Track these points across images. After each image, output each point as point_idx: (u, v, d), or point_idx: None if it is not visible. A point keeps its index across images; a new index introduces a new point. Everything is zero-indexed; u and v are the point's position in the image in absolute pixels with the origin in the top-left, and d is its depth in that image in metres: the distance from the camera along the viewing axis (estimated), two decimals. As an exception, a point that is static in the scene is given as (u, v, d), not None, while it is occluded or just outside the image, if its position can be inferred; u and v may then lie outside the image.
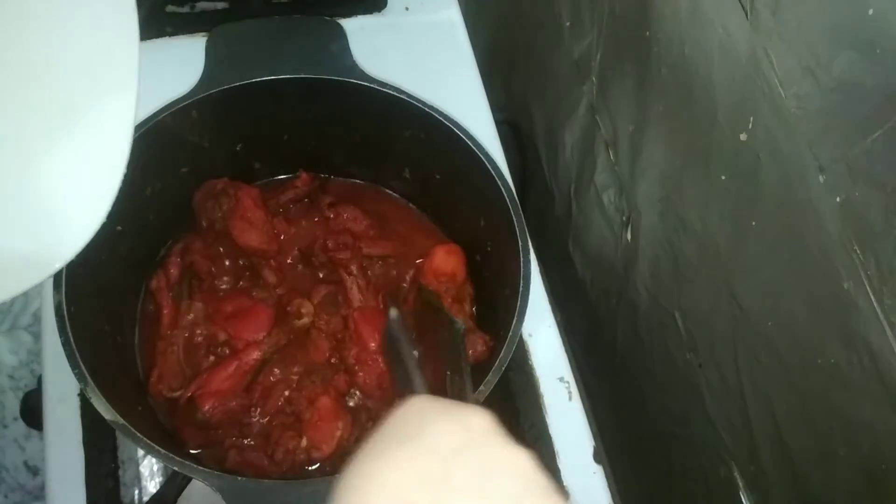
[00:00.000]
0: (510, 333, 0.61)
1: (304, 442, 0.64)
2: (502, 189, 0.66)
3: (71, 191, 0.49)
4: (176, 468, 0.54)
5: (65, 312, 0.57)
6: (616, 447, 0.88)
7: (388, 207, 0.79)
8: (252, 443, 0.65)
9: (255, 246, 0.72)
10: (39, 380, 0.70)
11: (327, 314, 0.70)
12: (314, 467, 0.65)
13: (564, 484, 0.70)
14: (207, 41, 0.72)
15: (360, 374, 0.68)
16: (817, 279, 0.53)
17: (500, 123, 0.88)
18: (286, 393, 0.67)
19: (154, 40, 0.85)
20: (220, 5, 0.91)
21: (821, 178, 0.50)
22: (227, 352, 0.68)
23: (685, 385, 0.74)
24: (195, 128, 0.69)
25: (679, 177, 0.69)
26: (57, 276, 0.57)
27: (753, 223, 0.59)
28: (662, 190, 0.72)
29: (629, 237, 0.81)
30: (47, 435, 0.67)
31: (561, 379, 0.75)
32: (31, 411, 0.86)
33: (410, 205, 0.80)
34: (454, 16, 0.94)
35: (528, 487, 0.34)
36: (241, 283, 0.72)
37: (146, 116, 0.64)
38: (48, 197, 0.48)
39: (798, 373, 0.57)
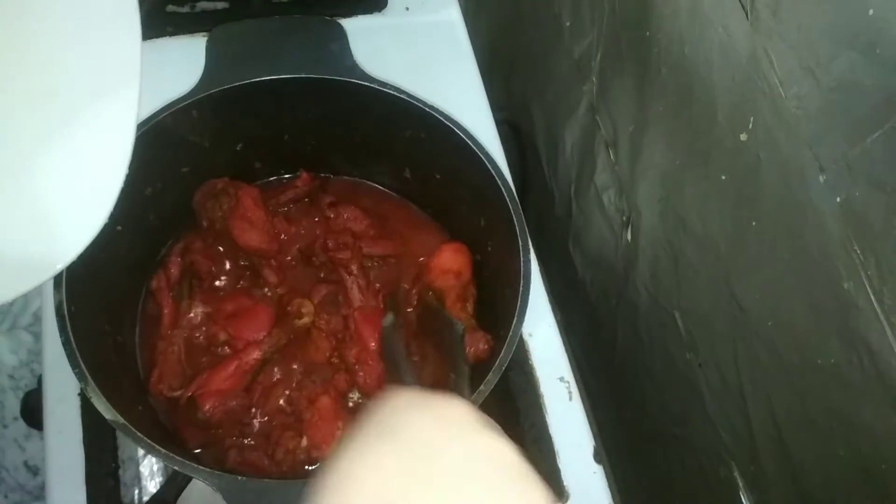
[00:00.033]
0: (510, 333, 0.61)
1: (304, 442, 0.64)
2: (502, 189, 0.66)
3: (73, 191, 0.49)
4: (176, 468, 0.54)
5: (65, 312, 0.57)
6: (616, 447, 0.88)
7: (389, 207, 0.79)
8: (252, 443, 0.65)
9: (255, 246, 0.72)
10: (39, 380, 0.70)
11: (327, 314, 0.70)
12: (314, 467, 0.65)
13: (564, 484, 0.70)
14: (208, 41, 0.72)
15: (361, 373, 0.68)
16: (817, 279, 0.53)
17: (500, 123, 0.88)
18: (286, 393, 0.67)
19: (154, 40, 0.85)
20: (221, 5, 0.91)
21: (821, 178, 0.50)
22: (228, 351, 0.68)
23: (685, 385, 0.74)
24: (195, 127, 0.69)
25: (679, 177, 0.69)
26: (57, 276, 0.57)
27: (753, 223, 0.59)
28: (662, 190, 0.72)
29: (629, 237, 0.81)
30: (47, 435, 0.67)
31: (561, 379, 0.75)
32: (32, 411, 0.86)
33: (411, 204, 0.80)
34: (454, 16, 0.94)
35: (510, 477, 0.33)
36: (241, 282, 0.72)
37: (146, 116, 0.64)
38: (50, 198, 0.48)
39: (798, 373, 0.57)
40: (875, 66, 0.44)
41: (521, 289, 0.63)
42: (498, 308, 0.67)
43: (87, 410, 0.67)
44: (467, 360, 0.65)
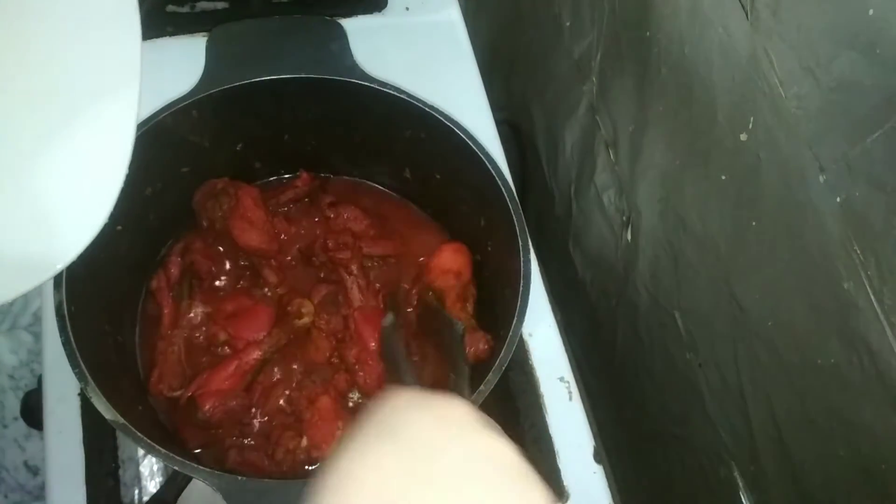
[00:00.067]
0: (510, 333, 0.61)
1: (304, 442, 0.64)
2: (502, 189, 0.66)
3: (73, 191, 0.49)
4: (176, 468, 0.54)
5: (65, 312, 0.57)
6: (616, 447, 0.88)
7: (389, 207, 0.79)
8: (252, 443, 0.65)
9: (255, 246, 0.72)
10: (39, 380, 0.70)
11: (327, 314, 0.70)
12: (314, 467, 0.65)
13: (564, 484, 0.70)
14: (208, 41, 0.72)
15: (361, 373, 0.68)
16: (817, 279, 0.53)
17: (500, 123, 0.88)
18: (286, 393, 0.67)
19: (154, 40, 0.85)
20: (221, 5, 0.91)
21: (821, 178, 0.50)
22: (228, 351, 0.68)
23: (685, 385, 0.74)
24: (195, 127, 0.69)
25: (679, 177, 0.69)
26: (57, 276, 0.57)
27: (753, 223, 0.59)
28: (662, 190, 0.72)
29: (629, 237, 0.81)
30: (47, 435, 0.67)
31: (561, 379, 0.75)
32: (32, 411, 0.86)
33: (411, 204, 0.80)
34: (454, 16, 0.94)
35: (510, 477, 0.33)
36: (241, 282, 0.72)
37: (146, 116, 0.64)
38: (50, 197, 0.48)
39: (798, 373, 0.57)
40: (875, 66, 0.44)
41: (521, 289, 0.63)
42: (498, 308, 0.67)
43: (87, 410, 0.67)
44: (467, 360, 0.65)
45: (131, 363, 0.69)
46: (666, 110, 0.69)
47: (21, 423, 1.10)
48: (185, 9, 0.91)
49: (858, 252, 0.48)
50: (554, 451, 0.71)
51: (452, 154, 0.69)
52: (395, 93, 0.69)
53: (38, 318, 1.29)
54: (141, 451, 0.68)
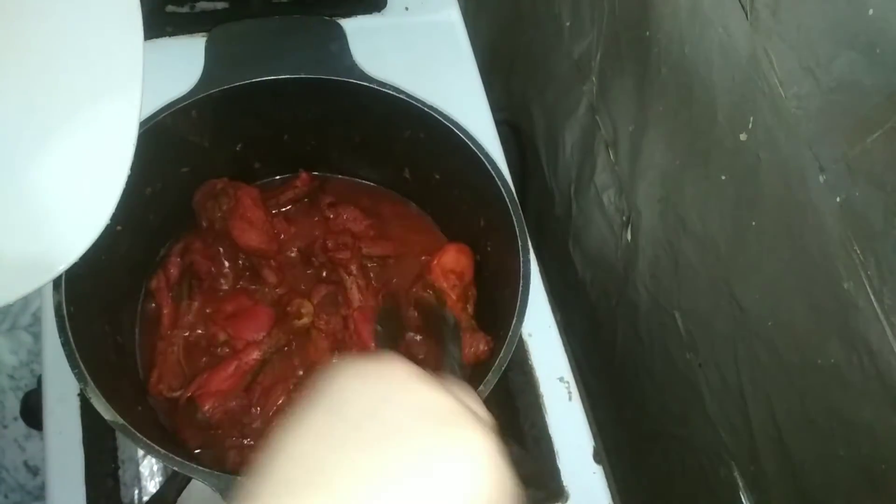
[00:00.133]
0: (510, 333, 0.61)
1: (304, 442, 0.64)
2: (502, 189, 0.66)
3: (74, 192, 0.49)
4: (176, 468, 0.54)
5: (64, 313, 0.57)
6: (616, 447, 0.88)
7: (388, 207, 0.79)
8: (252, 443, 0.65)
9: (254, 246, 0.72)
10: (39, 380, 0.70)
11: (327, 314, 0.70)
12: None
13: (564, 484, 0.70)
14: (207, 41, 0.72)
15: (360, 374, 0.68)
16: (817, 279, 0.52)
17: (500, 123, 0.88)
18: (286, 393, 0.67)
19: (154, 40, 0.85)
20: (220, 5, 0.91)
21: (821, 178, 0.50)
22: (227, 352, 0.68)
23: (685, 385, 0.74)
24: (195, 128, 0.69)
25: (679, 177, 0.69)
26: (56, 277, 0.57)
27: (753, 223, 0.59)
28: (662, 190, 0.72)
29: (629, 237, 0.81)
30: (47, 435, 0.67)
31: (561, 379, 0.75)
32: (31, 411, 0.86)
33: (410, 205, 0.80)
34: (454, 16, 0.94)
35: (441, 424, 0.33)
36: (241, 283, 0.72)
37: (146, 116, 0.64)
38: (51, 199, 0.48)
39: (798, 373, 0.57)
40: (875, 66, 0.44)
41: (520, 289, 0.63)
42: (498, 308, 0.67)
43: (87, 411, 0.67)
44: (459, 354, 0.65)
45: (131, 363, 0.69)
46: (666, 110, 0.69)
47: (21, 423, 1.10)
48: (185, 9, 0.91)
49: (858, 252, 0.48)
50: (554, 451, 0.71)
51: (452, 154, 0.69)
52: (395, 93, 0.69)
53: (37, 318, 1.29)
54: (141, 452, 0.68)
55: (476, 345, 0.68)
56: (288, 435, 0.33)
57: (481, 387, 0.58)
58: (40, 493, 1.23)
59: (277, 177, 0.80)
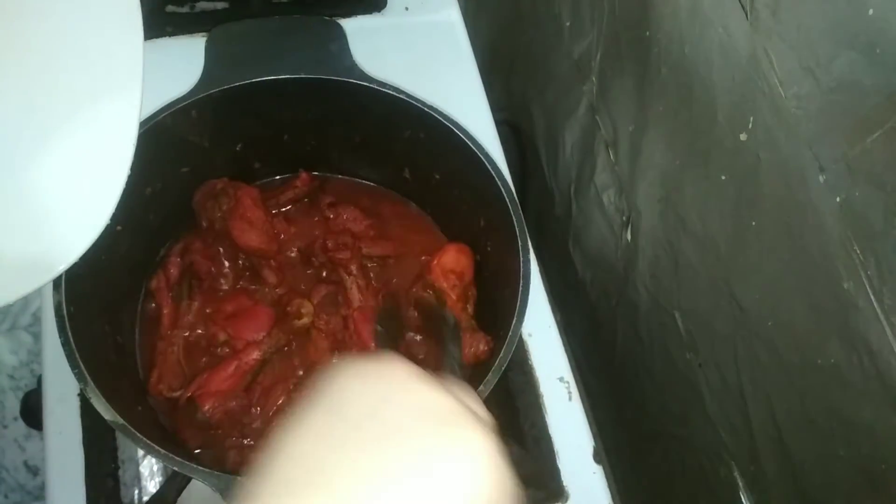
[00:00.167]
0: (510, 333, 0.61)
1: (303, 442, 0.64)
2: (502, 189, 0.66)
3: (74, 192, 0.49)
4: (176, 468, 0.54)
5: (64, 313, 0.57)
6: (616, 447, 0.88)
7: (388, 207, 0.79)
8: (252, 443, 0.65)
9: (254, 246, 0.72)
10: (39, 380, 0.70)
11: (327, 314, 0.70)
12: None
13: (564, 484, 0.70)
14: (207, 41, 0.72)
15: (360, 374, 0.68)
16: (817, 279, 0.52)
17: (500, 123, 0.88)
18: (286, 393, 0.67)
19: (154, 40, 0.85)
20: (220, 5, 0.91)
21: (821, 178, 0.50)
22: (227, 352, 0.68)
23: (685, 385, 0.74)
24: (195, 128, 0.69)
25: (679, 177, 0.69)
26: (56, 277, 0.57)
27: (753, 223, 0.59)
28: (662, 190, 0.72)
29: (629, 237, 0.81)
30: (47, 435, 0.67)
31: (561, 379, 0.75)
32: (31, 411, 0.86)
33: (410, 205, 0.80)
34: (454, 16, 0.94)
35: (440, 423, 0.33)
36: (240, 283, 0.72)
37: (146, 116, 0.64)
38: (51, 199, 0.48)
39: (798, 373, 0.57)
40: (875, 66, 0.44)
41: (520, 289, 0.63)
42: (498, 308, 0.67)
43: (87, 411, 0.67)
44: (459, 353, 0.65)
45: (131, 363, 0.69)
46: (666, 110, 0.69)
47: (21, 423, 1.10)
48: (185, 9, 0.91)
49: (858, 252, 0.48)
50: (554, 451, 0.71)
51: (452, 154, 0.69)
52: (395, 93, 0.69)
53: (37, 318, 1.29)
54: (140, 452, 0.68)
55: (476, 345, 0.68)
56: (288, 435, 0.33)
57: (481, 387, 0.58)
58: (40, 493, 1.23)
59: (277, 177, 0.80)
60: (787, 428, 0.60)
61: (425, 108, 0.69)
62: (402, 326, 0.69)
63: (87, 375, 0.55)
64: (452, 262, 0.73)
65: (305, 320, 0.70)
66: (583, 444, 0.72)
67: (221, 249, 0.72)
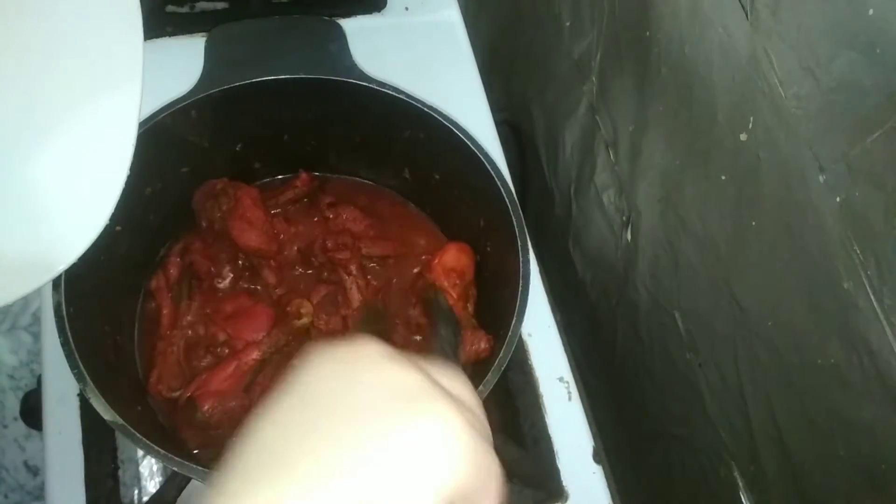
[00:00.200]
0: (509, 333, 0.61)
1: (303, 442, 0.64)
2: (501, 189, 0.66)
3: (74, 192, 0.49)
4: (175, 468, 0.54)
5: (64, 313, 0.57)
6: (616, 447, 0.88)
7: (388, 207, 0.79)
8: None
9: (254, 246, 0.72)
10: (39, 380, 0.70)
11: (327, 314, 0.70)
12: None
13: (564, 484, 0.70)
14: (207, 41, 0.72)
15: (360, 374, 0.68)
16: (817, 279, 0.52)
17: (500, 123, 0.88)
18: (286, 393, 0.67)
19: (154, 40, 0.85)
20: (220, 5, 0.91)
21: (821, 178, 0.50)
22: (227, 352, 0.68)
23: (685, 385, 0.74)
24: (195, 128, 0.69)
25: (679, 177, 0.69)
26: (56, 277, 0.57)
27: (753, 223, 0.59)
28: (662, 190, 0.72)
29: (629, 237, 0.81)
30: (47, 435, 0.67)
31: (560, 379, 0.75)
32: (31, 411, 0.86)
33: (410, 205, 0.80)
34: (454, 16, 0.94)
35: (408, 401, 0.33)
36: (240, 283, 0.72)
37: (146, 116, 0.64)
38: (51, 198, 0.48)
39: (798, 373, 0.57)
40: (875, 66, 0.44)
41: (520, 289, 0.63)
42: (497, 308, 0.67)
43: (87, 411, 0.67)
44: (460, 351, 0.65)
45: (130, 364, 0.69)
46: (666, 110, 0.69)
47: (21, 423, 1.10)
48: (185, 9, 0.91)
49: (858, 252, 0.48)
50: (553, 452, 0.71)
51: (452, 154, 0.69)
52: (395, 93, 0.69)
53: (37, 318, 1.28)
54: (140, 452, 0.68)
55: (476, 343, 0.68)
56: (256, 424, 0.33)
57: (481, 387, 0.58)
58: (40, 493, 1.23)
59: (277, 177, 0.80)
60: (787, 428, 0.60)
61: (425, 108, 0.69)
62: (389, 329, 0.69)
63: (86, 375, 0.55)
64: (453, 260, 0.73)
65: (305, 320, 0.70)
66: (582, 444, 0.72)
67: (221, 249, 0.72)
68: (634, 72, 0.73)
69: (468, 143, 0.68)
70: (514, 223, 0.65)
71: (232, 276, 0.72)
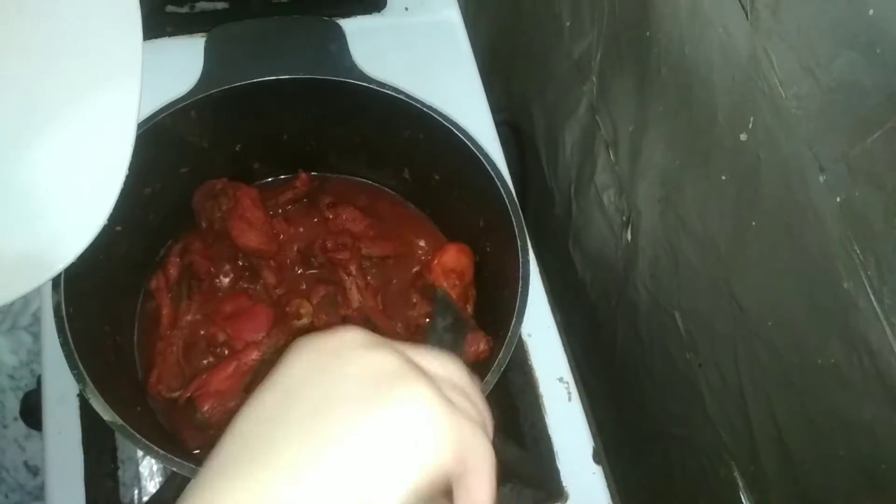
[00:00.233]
0: (509, 333, 0.61)
1: (303, 442, 0.64)
2: (501, 190, 0.66)
3: (73, 191, 0.49)
4: (175, 469, 0.54)
5: (63, 313, 0.57)
6: (616, 447, 0.88)
7: (387, 208, 0.79)
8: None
9: (254, 246, 0.72)
10: (39, 380, 0.70)
11: (326, 314, 0.70)
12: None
13: (563, 484, 0.70)
14: (207, 41, 0.72)
15: (360, 374, 0.68)
16: (817, 279, 0.52)
17: (499, 124, 0.88)
18: (286, 393, 0.67)
19: (154, 40, 0.85)
20: (220, 5, 0.91)
21: (821, 178, 0.50)
22: (227, 352, 0.68)
23: (685, 385, 0.74)
24: (194, 128, 0.69)
25: (679, 177, 0.69)
26: (55, 277, 0.56)
27: (753, 223, 0.59)
28: (662, 190, 0.72)
29: (629, 237, 0.81)
30: (47, 435, 0.67)
31: (560, 379, 0.75)
32: (31, 412, 0.86)
33: (409, 205, 0.80)
34: (454, 16, 0.94)
35: (382, 386, 0.33)
36: (240, 283, 0.72)
37: (145, 117, 0.64)
38: (50, 198, 0.48)
39: (798, 373, 0.57)
40: (875, 66, 0.44)
41: (519, 289, 0.62)
42: (497, 308, 0.67)
43: (87, 411, 0.67)
44: (464, 350, 0.65)
45: (130, 364, 0.69)
46: (666, 110, 0.69)
47: (21, 423, 1.10)
48: (185, 9, 0.91)
49: (858, 252, 0.48)
50: (553, 452, 0.71)
51: (451, 155, 0.69)
52: (394, 93, 0.69)
53: (37, 318, 1.28)
54: (140, 452, 0.67)
55: (476, 344, 0.68)
56: (239, 416, 0.34)
57: (481, 387, 0.58)
58: (40, 493, 1.23)
59: (277, 177, 0.80)
60: (787, 428, 0.60)
61: (425, 109, 0.69)
62: (462, 322, 0.68)
63: (85, 376, 0.55)
64: (453, 261, 0.73)
65: (305, 321, 0.70)
66: (582, 445, 0.72)
67: (221, 250, 0.72)
68: (634, 72, 0.73)
69: (468, 143, 0.68)
70: (514, 223, 0.65)
71: (232, 276, 0.72)
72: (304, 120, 0.74)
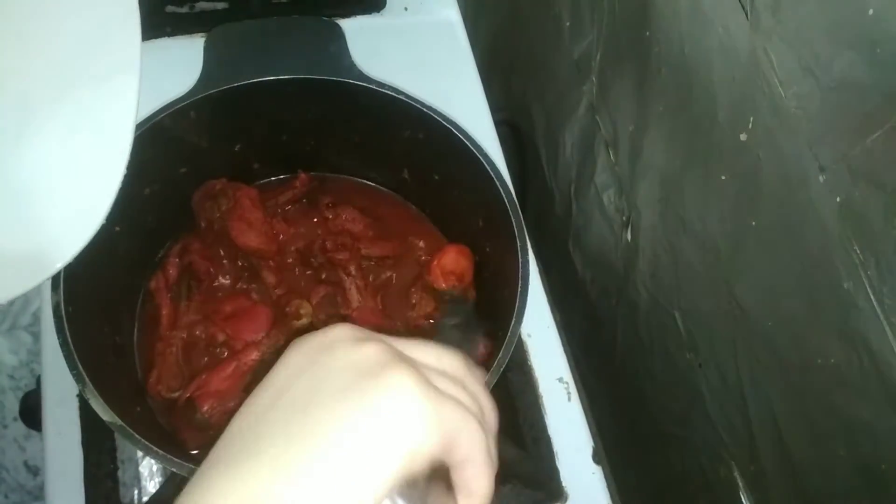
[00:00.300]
0: (509, 333, 0.61)
1: (303, 442, 0.64)
2: (501, 190, 0.66)
3: (71, 191, 0.49)
4: (174, 469, 0.54)
5: (63, 313, 0.57)
6: (616, 447, 0.88)
7: (387, 208, 0.79)
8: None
9: (253, 246, 0.72)
10: (39, 380, 0.70)
11: (326, 315, 0.70)
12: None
13: (563, 485, 0.70)
14: (206, 41, 0.72)
15: (360, 374, 0.68)
16: (817, 279, 0.52)
17: (499, 124, 0.88)
18: (285, 393, 0.67)
19: (153, 40, 0.85)
20: (220, 5, 0.91)
21: (821, 178, 0.50)
22: (226, 352, 0.68)
23: (685, 385, 0.74)
24: (194, 128, 0.69)
25: (679, 177, 0.69)
26: (55, 277, 0.57)
27: (753, 223, 0.59)
28: (662, 190, 0.72)
29: (629, 237, 0.81)
30: (47, 435, 0.67)
31: (560, 379, 0.75)
32: (31, 412, 0.86)
33: (409, 205, 0.80)
34: (453, 16, 0.94)
35: (367, 380, 0.33)
36: (239, 283, 0.72)
37: (145, 117, 0.64)
38: (48, 197, 0.48)
39: (798, 373, 0.57)
40: (875, 66, 0.44)
41: (519, 289, 0.62)
42: (497, 309, 0.67)
43: (86, 411, 0.67)
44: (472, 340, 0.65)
45: (129, 364, 0.69)
46: (666, 110, 0.69)
47: (21, 423, 1.10)
48: (184, 9, 0.91)
49: (858, 252, 0.48)
50: (553, 452, 0.71)
51: (451, 155, 0.69)
52: (394, 93, 0.69)
53: (37, 318, 1.28)
54: (140, 452, 0.67)
55: (475, 345, 0.68)
56: (236, 415, 0.35)
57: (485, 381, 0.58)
58: (40, 493, 1.23)
59: (277, 177, 0.80)
60: (787, 428, 0.60)
61: (424, 109, 0.69)
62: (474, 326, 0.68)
63: (85, 376, 0.55)
64: (452, 263, 0.73)
65: (304, 321, 0.70)
66: (582, 445, 0.72)
67: (220, 250, 0.72)
68: (634, 72, 0.73)
69: (467, 143, 0.68)
70: (514, 223, 0.65)
71: (231, 276, 0.72)
72: (303, 120, 0.74)
